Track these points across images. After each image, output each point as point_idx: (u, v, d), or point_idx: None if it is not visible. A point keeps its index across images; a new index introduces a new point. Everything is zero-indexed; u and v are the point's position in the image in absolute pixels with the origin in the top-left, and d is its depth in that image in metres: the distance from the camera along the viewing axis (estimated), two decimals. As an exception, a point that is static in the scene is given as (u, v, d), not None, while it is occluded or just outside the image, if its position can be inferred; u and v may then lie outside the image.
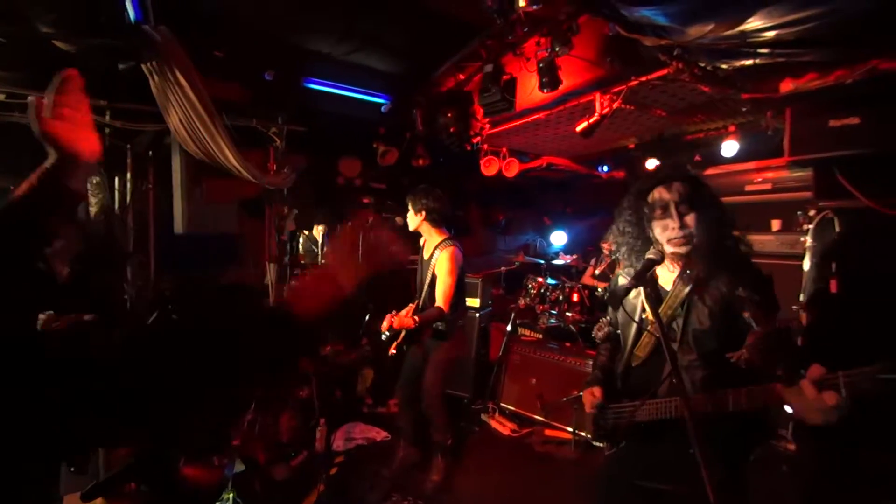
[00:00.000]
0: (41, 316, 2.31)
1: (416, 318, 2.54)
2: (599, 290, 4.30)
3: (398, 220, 2.93)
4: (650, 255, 1.42)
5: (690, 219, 1.42)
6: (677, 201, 1.42)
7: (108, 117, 3.00)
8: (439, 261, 2.73)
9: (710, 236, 1.41)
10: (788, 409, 1.16)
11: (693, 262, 1.45)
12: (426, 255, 2.88)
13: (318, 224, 4.29)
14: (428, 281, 2.78)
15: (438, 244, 2.81)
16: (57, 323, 2.36)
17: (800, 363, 1.17)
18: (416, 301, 2.87)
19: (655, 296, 1.39)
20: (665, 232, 1.45)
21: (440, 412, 2.86)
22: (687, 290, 1.45)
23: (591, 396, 1.63)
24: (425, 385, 2.83)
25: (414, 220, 2.85)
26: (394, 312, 2.60)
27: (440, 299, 2.66)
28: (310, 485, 2.78)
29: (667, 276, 1.55)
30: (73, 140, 0.82)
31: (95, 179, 3.29)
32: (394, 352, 2.69)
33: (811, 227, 2.37)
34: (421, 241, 3.02)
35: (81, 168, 0.84)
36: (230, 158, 2.95)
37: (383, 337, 2.72)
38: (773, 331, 1.25)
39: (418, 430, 3.03)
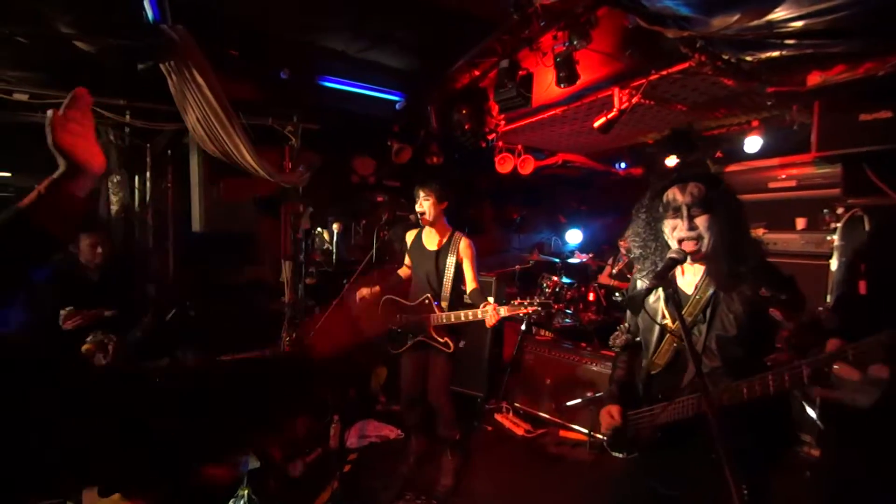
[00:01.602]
0: (62, 311, 2.38)
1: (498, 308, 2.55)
2: (617, 294, 4.22)
3: (412, 217, 2.90)
4: (672, 254, 1.38)
5: (701, 221, 1.37)
6: (689, 203, 1.38)
7: (127, 116, 3.05)
8: (463, 247, 2.79)
9: (723, 238, 1.37)
10: (812, 413, 1.13)
11: (713, 266, 1.41)
12: (435, 247, 2.85)
13: (334, 222, 4.31)
14: (454, 269, 2.78)
15: (453, 233, 2.84)
16: (77, 318, 2.41)
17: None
18: (428, 291, 2.82)
19: (676, 299, 1.34)
20: (674, 232, 1.42)
21: (448, 407, 2.85)
22: (709, 294, 1.41)
23: (609, 418, 1.59)
24: (434, 380, 2.82)
25: (435, 208, 2.81)
26: (494, 304, 2.56)
27: (473, 281, 2.77)
28: (324, 482, 2.80)
29: (687, 279, 1.51)
30: (82, 153, 0.89)
31: (116, 178, 3.37)
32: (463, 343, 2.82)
33: (839, 225, 2.29)
34: (415, 235, 2.98)
35: (87, 179, 0.90)
36: (246, 157, 2.97)
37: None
38: (804, 324, 1.20)
39: (427, 424, 3.03)
